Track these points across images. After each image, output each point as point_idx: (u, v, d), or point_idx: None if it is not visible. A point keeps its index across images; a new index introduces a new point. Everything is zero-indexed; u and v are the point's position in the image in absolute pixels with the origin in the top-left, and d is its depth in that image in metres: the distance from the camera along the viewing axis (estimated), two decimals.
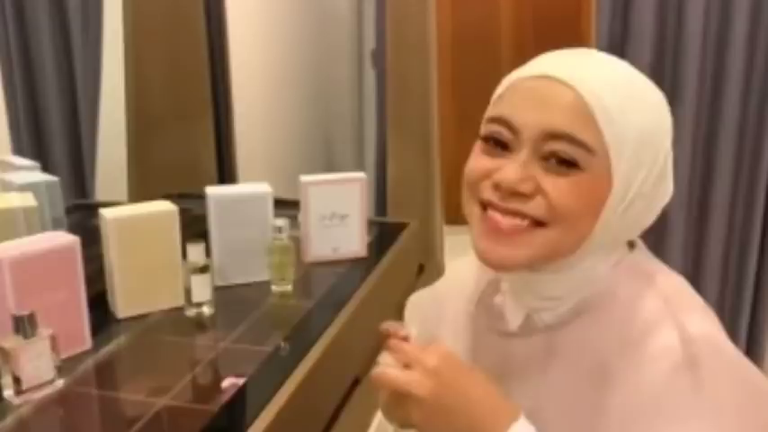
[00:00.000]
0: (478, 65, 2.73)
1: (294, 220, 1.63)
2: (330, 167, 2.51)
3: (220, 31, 2.26)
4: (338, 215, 1.64)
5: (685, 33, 2.21)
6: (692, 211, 2.39)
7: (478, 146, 0.82)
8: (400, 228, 1.85)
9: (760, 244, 2.37)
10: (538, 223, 0.78)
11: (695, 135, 2.31)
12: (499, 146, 0.80)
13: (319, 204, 1.62)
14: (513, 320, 0.89)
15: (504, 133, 0.79)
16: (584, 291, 0.84)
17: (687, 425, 0.72)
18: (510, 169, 0.77)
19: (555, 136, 0.75)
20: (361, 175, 1.68)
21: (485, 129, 0.81)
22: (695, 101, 2.26)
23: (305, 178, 1.62)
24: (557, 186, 0.76)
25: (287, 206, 1.65)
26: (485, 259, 0.82)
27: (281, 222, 1.47)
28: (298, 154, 2.50)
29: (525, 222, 0.78)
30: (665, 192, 0.83)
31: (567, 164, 0.75)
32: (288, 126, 2.47)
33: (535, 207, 0.77)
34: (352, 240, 1.66)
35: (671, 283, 0.84)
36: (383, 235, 1.83)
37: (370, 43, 2.36)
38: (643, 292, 0.81)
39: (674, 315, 0.78)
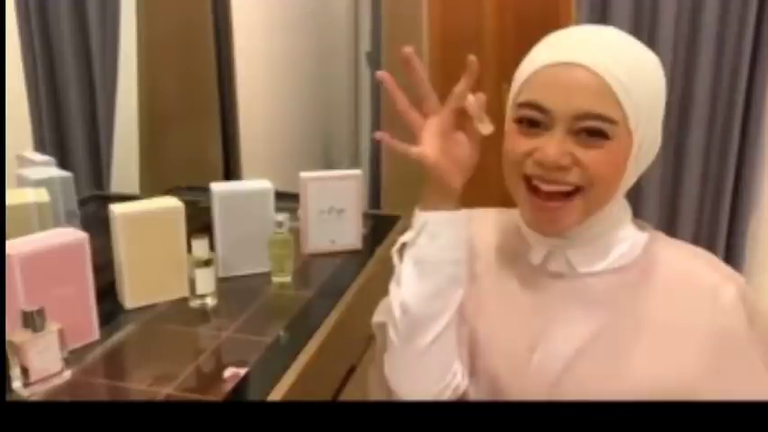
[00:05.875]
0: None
1: (293, 212, 1.57)
2: (327, 162, 2.46)
3: (227, 38, 2.23)
4: (335, 209, 1.59)
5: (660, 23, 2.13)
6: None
7: (513, 129, 0.84)
8: (394, 220, 1.80)
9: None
10: (577, 187, 0.81)
11: (665, 122, 2.22)
12: (532, 125, 0.81)
13: (318, 199, 1.57)
14: (555, 266, 0.89)
15: (537, 115, 0.81)
16: (621, 258, 0.86)
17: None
18: (550, 148, 0.79)
19: (585, 116, 0.78)
20: (357, 172, 1.63)
21: (517, 113, 0.83)
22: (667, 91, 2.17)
23: (304, 175, 1.56)
24: (591, 157, 0.79)
25: (286, 198, 1.59)
26: (536, 229, 0.87)
27: (282, 217, 1.42)
28: (297, 149, 2.44)
29: (568, 187, 0.81)
30: (658, 130, 0.86)
31: (597, 136, 0.79)
32: (288, 123, 2.43)
33: (574, 176, 0.80)
34: (348, 233, 1.61)
35: (702, 251, 0.89)
36: (377, 227, 1.78)
37: (365, 44, 2.31)
38: (683, 256, 0.87)
39: (724, 274, 0.84)
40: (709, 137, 2.23)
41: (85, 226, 1.41)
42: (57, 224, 1.35)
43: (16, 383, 1.01)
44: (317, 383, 1.21)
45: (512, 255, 0.94)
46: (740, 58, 2.12)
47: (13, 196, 1.32)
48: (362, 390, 1.25)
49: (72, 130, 2.21)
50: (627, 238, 0.87)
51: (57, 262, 1.10)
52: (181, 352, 1.17)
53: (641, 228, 0.90)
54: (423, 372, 0.90)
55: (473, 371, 0.94)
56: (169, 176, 2.20)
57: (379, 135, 0.90)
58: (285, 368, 1.10)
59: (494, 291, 0.93)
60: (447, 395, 0.91)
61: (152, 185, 2.23)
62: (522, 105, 0.82)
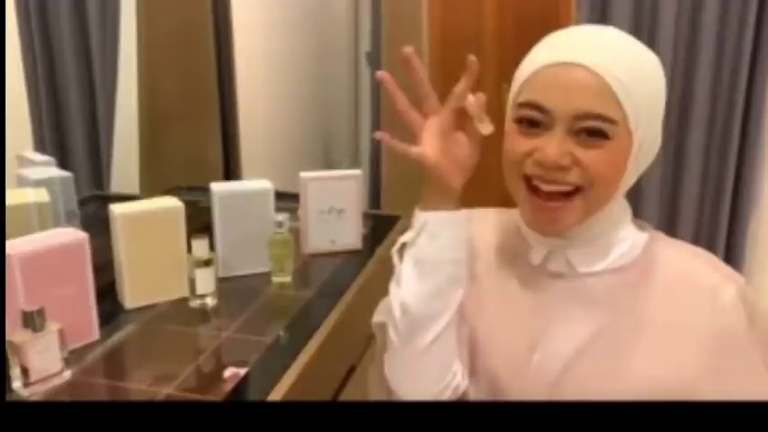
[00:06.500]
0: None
1: (293, 212, 1.57)
2: (327, 162, 2.46)
3: (227, 38, 2.23)
4: (335, 209, 1.58)
5: (660, 23, 2.13)
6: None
7: (513, 128, 0.83)
8: (394, 220, 1.80)
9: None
10: (577, 187, 0.81)
11: (666, 122, 2.21)
12: (532, 125, 0.81)
13: (318, 199, 1.57)
14: (555, 266, 0.89)
15: (537, 115, 0.81)
16: (621, 258, 0.86)
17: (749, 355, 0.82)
18: (550, 148, 0.79)
19: (585, 116, 0.78)
20: (357, 172, 1.62)
21: (517, 113, 0.83)
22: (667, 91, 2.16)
23: (304, 175, 1.56)
24: (591, 157, 0.79)
25: (286, 198, 1.59)
26: (536, 229, 0.86)
27: (282, 217, 1.42)
28: (297, 149, 2.44)
29: (568, 187, 0.81)
30: (658, 130, 0.86)
31: (597, 136, 0.78)
32: (288, 123, 2.43)
33: (574, 176, 0.80)
34: (348, 233, 1.61)
35: (702, 251, 0.88)
36: (377, 227, 1.77)
37: (365, 44, 2.32)
38: (683, 256, 0.87)
39: (724, 274, 0.84)
40: (709, 137, 2.23)
41: (85, 226, 1.41)
42: (57, 224, 1.35)
43: (16, 383, 1.00)
44: (317, 383, 1.20)
45: (512, 255, 0.94)
46: (740, 58, 2.11)
47: (13, 196, 1.32)
48: (362, 390, 1.25)
49: (72, 130, 2.21)
50: (627, 238, 0.87)
51: (57, 262, 1.10)
52: (181, 352, 1.17)
53: (641, 228, 0.90)
54: (423, 372, 0.90)
55: (473, 371, 0.94)
56: (169, 176, 2.19)
57: (379, 135, 0.90)
58: (285, 368, 1.10)
59: (494, 291, 0.93)
60: (447, 395, 0.91)
61: (152, 185, 2.23)
62: (522, 105, 0.82)
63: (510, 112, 0.84)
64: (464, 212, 0.90)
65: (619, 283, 0.85)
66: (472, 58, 0.84)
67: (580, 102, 0.78)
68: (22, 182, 1.48)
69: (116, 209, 1.27)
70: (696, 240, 2.31)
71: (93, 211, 1.88)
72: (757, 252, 2.31)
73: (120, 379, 1.10)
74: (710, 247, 2.27)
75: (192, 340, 1.22)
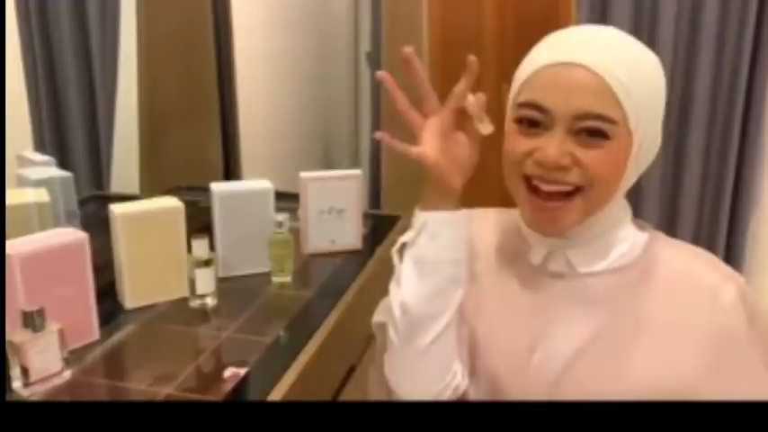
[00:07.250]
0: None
1: (293, 212, 1.57)
2: (327, 162, 2.46)
3: (227, 38, 2.23)
4: (335, 209, 1.58)
5: (660, 23, 2.13)
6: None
7: (513, 128, 0.84)
8: (394, 220, 1.80)
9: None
10: (577, 187, 0.81)
11: (665, 122, 2.21)
12: (532, 125, 0.81)
13: (318, 199, 1.57)
14: (555, 266, 0.89)
15: (537, 115, 0.81)
16: (621, 258, 0.86)
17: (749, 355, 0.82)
18: (550, 148, 0.79)
19: (585, 116, 0.78)
20: (357, 172, 1.62)
21: (517, 113, 0.83)
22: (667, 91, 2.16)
23: (304, 175, 1.56)
24: (591, 157, 0.79)
25: (286, 198, 1.59)
26: (536, 229, 0.86)
27: (282, 217, 1.42)
28: (297, 149, 2.44)
29: (568, 187, 0.81)
30: (658, 130, 0.86)
31: (597, 136, 0.78)
32: (288, 123, 2.43)
33: (574, 176, 0.80)
34: (348, 233, 1.61)
35: (702, 251, 0.88)
36: (377, 227, 1.78)
37: (365, 44, 2.32)
38: (683, 256, 0.87)
39: (724, 274, 0.84)
40: (709, 137, 2.23)
41: (85, 226, 1.41)
42: (57, 224, 1.35)
43: (16, 383, 1.00)
44: (317, 383, 1.20)
45: (512, 255, 0.94)
46: (740, 58, 2.12)
47: (13, 196, 1.32)
48: (362, 390, 1.25)
49: (72, 130, 2.21)
50: (627, 238, 0.87)
51: (57, 262, 1.10)
52: (181, 352, 1.17)
53: (641, 228, 0.90)
54: (423, 372, 0.90)
55: (473, 371, 0.94)
56: (169, 176, 2.20)
57: (379, 135, 0.90)
58: (285, 368, 1.10)
59: (494, 291, 0.93)
60: (447, 395, 0.91)
61: (152, 185, 2.23)
62: (522, 105, 0.82)
63: (510, 112, 0.84)
64: (464, 212, 0.90)
65: (619, 283, 0.85)
66: (472, 58, 0.84)
67: (580, 102, 0.78)
68: (22, 182, 1.48)
69: (116, 209, 1.27)
70: (696, 240, 2.31)
71: (93, 211, 1.88)
72: (757, 252, 2.31)
73: (120, 379, 1.10)
74: (710, 247, 2.27)
75: (192, 340, 1.22)
